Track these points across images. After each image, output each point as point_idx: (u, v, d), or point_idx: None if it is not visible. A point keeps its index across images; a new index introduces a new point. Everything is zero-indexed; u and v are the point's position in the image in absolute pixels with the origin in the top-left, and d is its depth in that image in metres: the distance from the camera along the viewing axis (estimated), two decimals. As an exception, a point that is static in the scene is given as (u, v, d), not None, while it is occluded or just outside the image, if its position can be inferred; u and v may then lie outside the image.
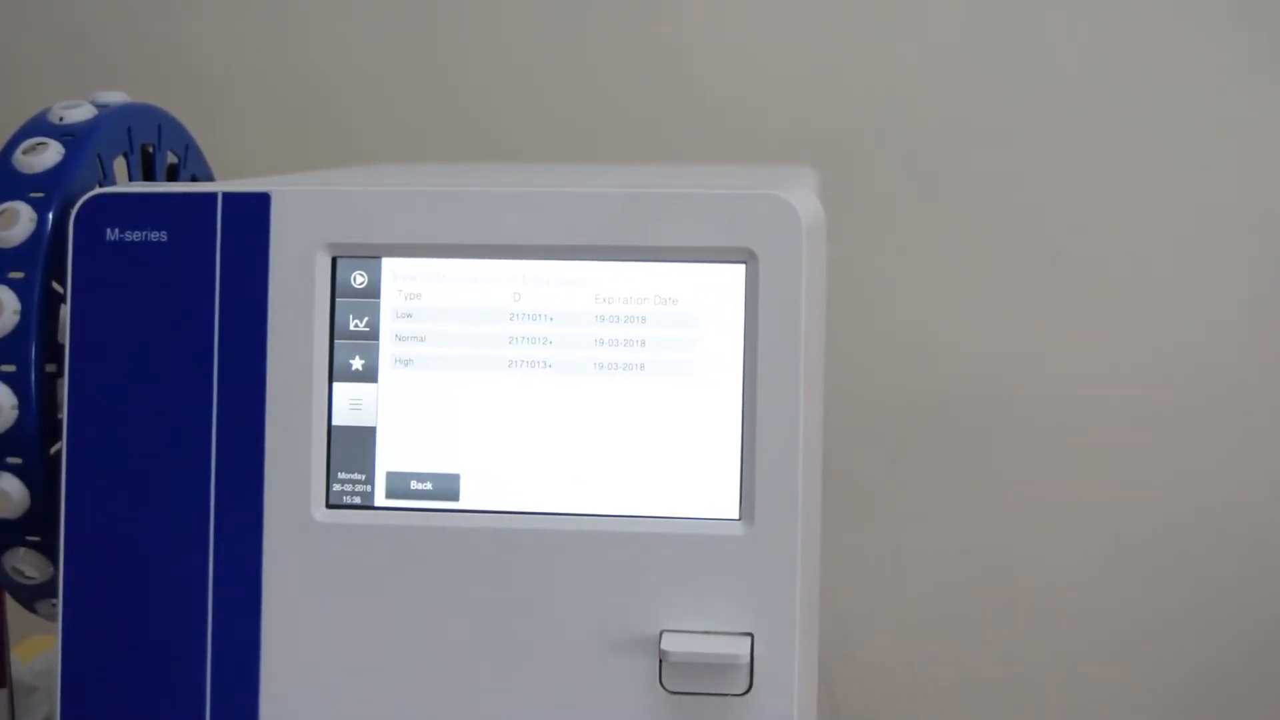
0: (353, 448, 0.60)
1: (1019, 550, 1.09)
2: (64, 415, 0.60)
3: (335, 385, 0.60)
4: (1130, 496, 1.08)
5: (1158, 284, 1.06)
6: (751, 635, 0.58)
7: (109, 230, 0.60)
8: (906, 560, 1.09)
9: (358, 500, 0.60)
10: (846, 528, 1.06)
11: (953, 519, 1.09)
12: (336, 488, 0.60)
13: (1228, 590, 1.08)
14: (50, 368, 0.62)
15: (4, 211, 0.63)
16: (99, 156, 0.66)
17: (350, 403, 0.60)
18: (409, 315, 0.60)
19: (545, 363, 0.60)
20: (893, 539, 1.09)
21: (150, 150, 0.70)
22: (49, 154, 0.64)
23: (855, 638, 1.09)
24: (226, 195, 0.60)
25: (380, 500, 0.60)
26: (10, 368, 0.61)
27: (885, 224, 1.07)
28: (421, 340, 0.60)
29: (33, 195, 0.63)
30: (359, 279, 0.60)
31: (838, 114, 1.07)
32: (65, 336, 0.60)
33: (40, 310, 0.62)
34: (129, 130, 0.68)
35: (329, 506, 0.60)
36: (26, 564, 0.63)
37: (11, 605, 0.68)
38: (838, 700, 0.99)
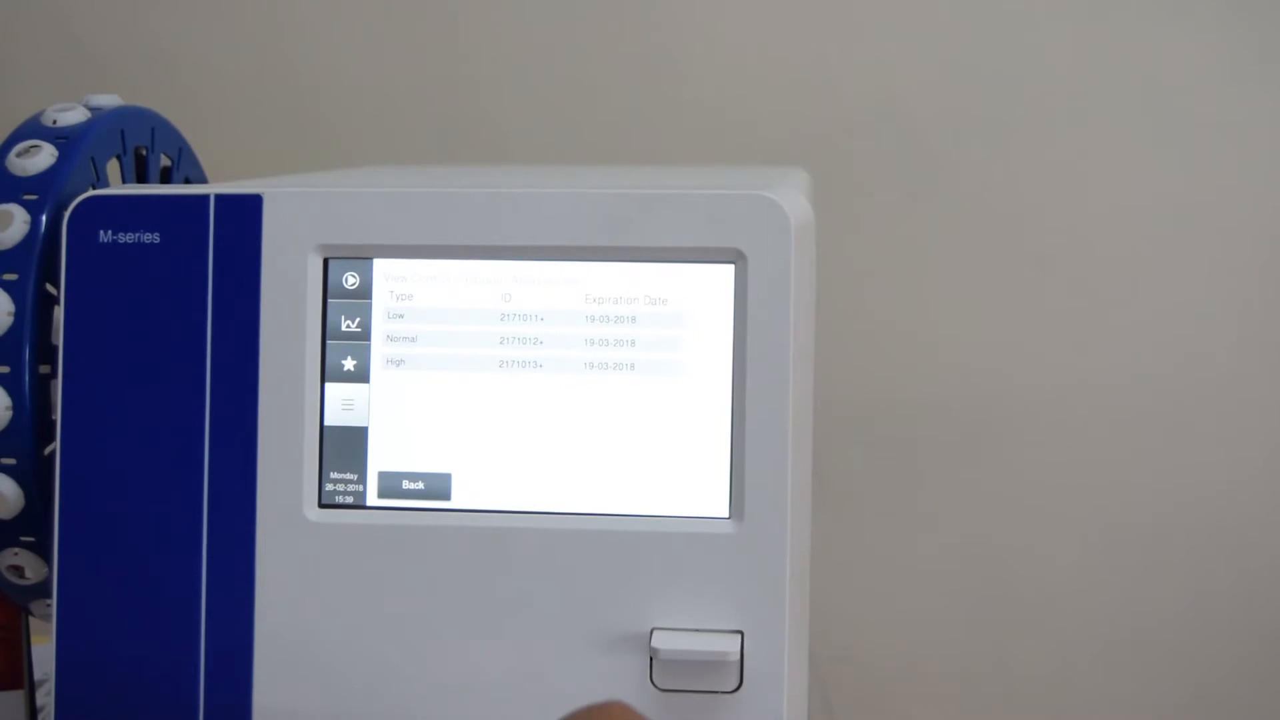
0: (345, 448, 0.60)
1: (1011, 547, 1.09)
2: (58, 416, 0.60)
3: (327, 385, 0.60)
4: (1123, 493, 1.08)
5: (1149, 281, 1.07)
6: (742, 633, 0.58)
7: (102, 232, 0.60)
8: (898, 557, 1.09)
9: (350, 500, 0.60)
10: (837, 525, 1.07)
11: (945, 516, 1.09)
12: (329, 487, 0.60)
13: (1220, 586, 1.08)
14: (44, 369, 0.62)
15: (-2, 214, 0.63)
16: (92, 159, 0.66)
17: (342, 403, 0.60)
18: (400, 316, 0.60)
19: (536, 363, 0.60)
20: (884, 536, 1.09)
21: (143, 153, 0.71)
22: (42, 157, 0.64)
23: (847, 635, 1.09)
24: (219, 197, 0.60)
25: (372, 500, 0.60)
26: (4, 369, 0.62)
27: (879, 223, 1.08)
28: (413, 341, 0.60)
29: (26, 197, 0.63)
30: (351, 280, 0.61)
31: (831, 114, 1.08)
32: (59, 338, 0.61)
33: (34, 312, 0.62)
34: (122, 133, 0.68)
35: (321, 506, 0.60)
36: (21, 564, 0.64)
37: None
38: (830, 697, 1.00)
